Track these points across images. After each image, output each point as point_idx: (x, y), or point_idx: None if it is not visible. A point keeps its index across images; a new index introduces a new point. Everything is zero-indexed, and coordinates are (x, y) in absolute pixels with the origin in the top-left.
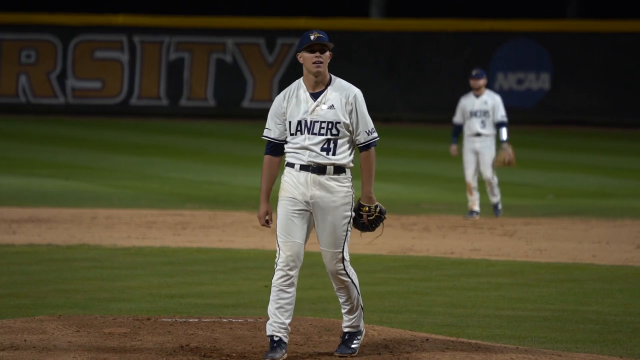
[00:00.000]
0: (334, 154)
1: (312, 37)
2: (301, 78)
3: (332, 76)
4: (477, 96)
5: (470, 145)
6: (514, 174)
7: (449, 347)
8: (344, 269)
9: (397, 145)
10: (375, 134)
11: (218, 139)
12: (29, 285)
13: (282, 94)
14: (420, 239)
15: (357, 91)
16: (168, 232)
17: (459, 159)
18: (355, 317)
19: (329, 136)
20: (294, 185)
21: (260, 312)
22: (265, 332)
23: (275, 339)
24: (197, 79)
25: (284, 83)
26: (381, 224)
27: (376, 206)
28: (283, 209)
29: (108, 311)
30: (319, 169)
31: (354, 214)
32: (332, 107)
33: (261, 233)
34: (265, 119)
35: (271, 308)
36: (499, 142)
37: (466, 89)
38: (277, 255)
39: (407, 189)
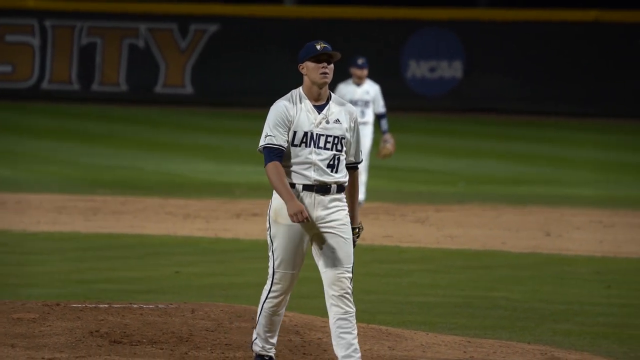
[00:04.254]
0: (337, 172)
1: (318, 47)
2: (299, 88)
3: (330, 92)
4: (359, 85)
5: None
6: (425, 161)
7: (359, 333)
8: (352, 293)
9: None
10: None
11: (130, 124)
12: None
13: (284, 100)
14: None
15: (356, 111)
16: (79, 218)
17: None
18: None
19: (334, 151)
20: None
21: (171, 297)
22: (252, 347)
23: (266, 358)
24: (109, 64)
25: (197, 69)
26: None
27: (360, 225)
28: (283, 237)
29: (17, 296)
30: (324, 189)
31: None
32: (337, 121)
33: (173, 219)
34: (177, 103)
35: (261, 331)
36: (378, 132)
37: (379, 76)
38: (270, 281)
39: None
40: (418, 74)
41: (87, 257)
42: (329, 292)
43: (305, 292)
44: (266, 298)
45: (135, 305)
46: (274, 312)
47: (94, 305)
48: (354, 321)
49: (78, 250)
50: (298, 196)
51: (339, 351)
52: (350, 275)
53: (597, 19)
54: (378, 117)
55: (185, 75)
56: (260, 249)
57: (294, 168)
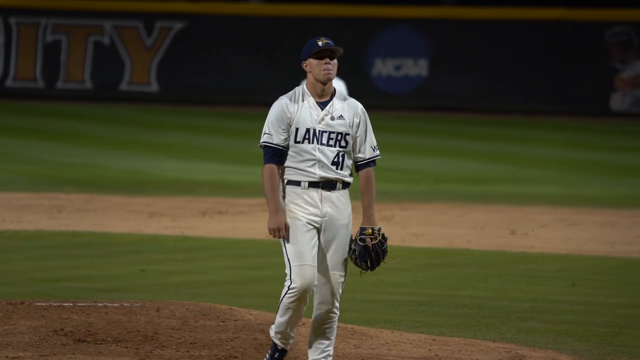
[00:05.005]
0: (341, 169)
1: (320, 43)
2: (303, 84)
3: (335, 88)
4: None
5: None
6: (390, 159)
7: None
8: (340, 299)
9: None
10: (379, 151)
11: (95, 122)
12: None
13: (285, 98)
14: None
15: (362, 106)
16: (44, 216)
17: None
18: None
19: (338, 148)
20: (303, 205)
21: (136, 296)
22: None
23: (280, 347)
24: (74, 62)
25: (162, 66)
26: (385, 251)
27: (379, 229)
28: (293, 231)
29: None
30: (330, 185)
31: (355, 239)
32: (341, 117)
33: (138, 217)
34: (143, 100)
35: (282, 322)
36: None
37: (345, 74)
38: (289, 279)
39: None
40: (384, 72)
41: (51, 255)
42: (319, 292)
43: (265, 291)
44: (286, 293)
45: (100, 304)
46: (293, 307)
47: (58, 304)
48: (335, 326)
49: (42, 249)
50: (304, 193)
51: (312, 353)
52: (344, 278)
53: (563, 17)
54: None
55: (150, 73)
56: (226, 247)
57: (298, 165)
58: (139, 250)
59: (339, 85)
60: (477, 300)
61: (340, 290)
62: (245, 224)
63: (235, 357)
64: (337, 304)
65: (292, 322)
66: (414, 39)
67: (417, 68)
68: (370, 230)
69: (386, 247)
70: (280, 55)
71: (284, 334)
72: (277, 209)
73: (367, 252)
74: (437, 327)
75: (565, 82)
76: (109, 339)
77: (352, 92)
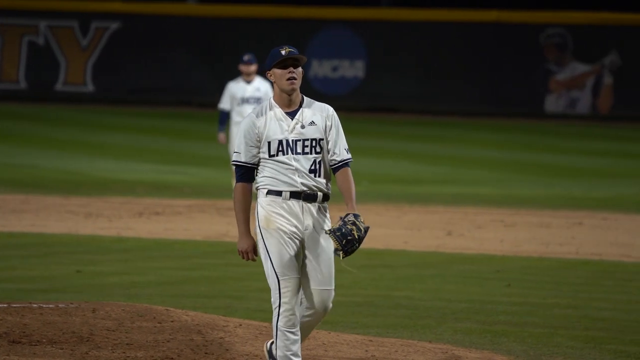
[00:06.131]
0: (320, 176)
1: (283, 52)
2: (270, 98)
3: (303, 96)
4: (249, 82)
5: None
6: None
7: (262, 333)
8: (329, 308)
9: (211, 130)
10: (350, 155)
11: (30, 122)
12: None
13: (252, 113)
14: (236, 224)
15: (332, 108)
16: None
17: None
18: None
19: (314, 155)
20: (285, 215)
21: (72, 297)
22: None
23: None
24: (8, 61)
25: (98, 67)
26: (360, 240)
27: (353, 216)
28: (276, 242)
29: None
30: (311, 196)
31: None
32: (312, 123)
33: (74, 218)
34: (78, 101)
35: (282, 354)
36: None
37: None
38: (277, 296)
39: (221, 174)
40: (320, 74)
41: None
42: (307, 304)
43: (203, 291)
44: (279, 315)
45: (35, 305)
46: (288, 329)
47: None
48: (310, 331)
49: None
50: (285, 204)
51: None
52: (332, 294)
53: (498, 19)
54: None
55: (86, 73)
56: (162, 248)
57: (278, 176)
58: (75, 251)
59: (264, 85)
60: (414, 301)
61: (330, 305)
62: (182, 224)
63: (172, 358)
64: (320, 317)
65: (293, 345)
66: (350, 41)
67: (353, 69)
68: (353, 218)
69: (362, 237)
70: (216, 55)
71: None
72: (247, 230)
73: (347, 236)
74: (373, 328)
75: (501, 83)
76: (44, 340)
77: None
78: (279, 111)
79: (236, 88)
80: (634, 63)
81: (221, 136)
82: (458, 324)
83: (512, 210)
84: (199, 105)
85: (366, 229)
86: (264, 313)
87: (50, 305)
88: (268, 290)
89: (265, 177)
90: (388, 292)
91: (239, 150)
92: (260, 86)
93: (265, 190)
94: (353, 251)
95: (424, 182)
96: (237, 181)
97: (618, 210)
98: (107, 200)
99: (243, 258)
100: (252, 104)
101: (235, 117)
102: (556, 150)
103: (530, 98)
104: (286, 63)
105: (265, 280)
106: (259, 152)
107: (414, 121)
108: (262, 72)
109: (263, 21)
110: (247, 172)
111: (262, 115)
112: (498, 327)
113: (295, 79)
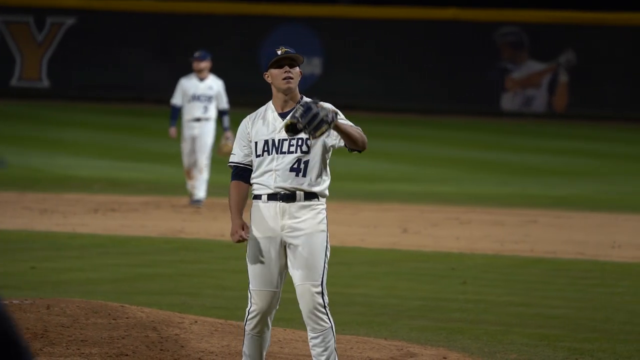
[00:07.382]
0: (304, 175)
1: (279, 52)
2: (270, 101)
3: (302, 95)
4: (202, 80)
5: (189, 131)
6: None
7: (217, 330)
8: (324, 307)
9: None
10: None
11: None
12: None
13: (248, 116)
14: (191, 221)
15: (332, 106)
16: None
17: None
18: None
19: (299, 154)
20: (261, 220)
21: (26, 293)
22: None
23: None
24: None
25: (54, 62)
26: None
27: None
28: (253, 251)
29: None
30: (288, 196)
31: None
32: None
33: (30, 214)
34: (33, 96)
35: (247, 354)
36: (221, 129)
37: (238, 72)
38: (249, 302)
39: (177, 170)
40: None
41: None
42: (300, 307)
43: (157, 288)
44: (246, 319)
45: None
46: (255, 333)
47: None
48: (328, 337)
49: None
50: (264, 207)
51: None
52: (319, 289)
53: (456, 17)
54: (220, 114)
55: (41, 69)
56: (117, 244)
57: (257, 180)
58: (30, 248)
59: (217, 83)
60: (369, 298)
61: (321, 301)
62: (137, 221)
63: (127, 354)
64: (317, 318)
65: (255, 350)
66: (307, 38)
67: (310, 67)
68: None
69: (326, 120)
70: (172, 52)
71: None
72: (237, 216)
73: (310, 112)
74: None
75: (458, 81)
76: None
77: (245, 92)
78: (271, 112)
79: (188, 84)
80: (590, 61)
81: (172, 131)
82: (413, 321)
83: (468, 208)
84: (155, 101)
85: (333, 116)
86: (219, 310)
87: (4, 302)
88: (223, 287)
89: (253, 182)
90: (344, 289)
91: (234, 151)
92: (213, 84)
93: (253, 196)
94: (312, 119)
95: (381, 179)
96: (232, 179)
97: (572, 208)
98: (62, 197)
99: (234, 240)
100: (203, 102)
101: (184, 115)
102: (512, 148)
103: (486, 96)
104: (282, 63)
105: (220, 277)
106: (251, 153)
107: (370, 119)
108: (260, 74)
109: (219, 18)
110: (240, 172)
111: (255, 116)
112: (453, 324)
113: (291, 78)
